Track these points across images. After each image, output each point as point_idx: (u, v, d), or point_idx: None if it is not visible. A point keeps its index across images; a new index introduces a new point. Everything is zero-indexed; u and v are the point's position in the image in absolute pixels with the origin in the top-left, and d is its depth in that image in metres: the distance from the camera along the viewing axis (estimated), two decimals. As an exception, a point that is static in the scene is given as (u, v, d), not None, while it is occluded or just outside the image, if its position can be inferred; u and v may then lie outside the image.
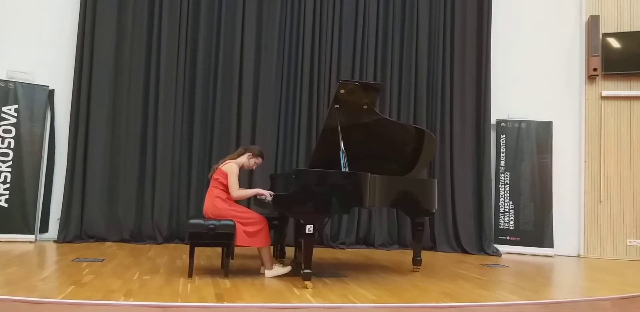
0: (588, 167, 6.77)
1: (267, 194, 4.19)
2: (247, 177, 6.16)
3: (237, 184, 4.21)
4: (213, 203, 4.18)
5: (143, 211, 6.10)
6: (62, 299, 3.16)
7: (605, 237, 6.64)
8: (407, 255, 5.49)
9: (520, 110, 6.86)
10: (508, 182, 6.72)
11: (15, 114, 5.89)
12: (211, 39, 6.44)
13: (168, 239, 6.10)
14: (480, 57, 6.83)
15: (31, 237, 5.79)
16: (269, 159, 6.28)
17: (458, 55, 6.83)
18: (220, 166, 4.31)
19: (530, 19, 7.05)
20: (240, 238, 4.07)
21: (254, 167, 4.59)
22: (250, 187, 5.73)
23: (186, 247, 4.27)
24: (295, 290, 3.76)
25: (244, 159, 4.41)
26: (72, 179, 5.96)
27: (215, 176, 4.27)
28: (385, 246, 6.48)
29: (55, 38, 6.24)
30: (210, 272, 4.31)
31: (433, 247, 6.53)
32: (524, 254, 6.46)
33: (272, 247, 4.63)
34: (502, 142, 6.81)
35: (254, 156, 4.45)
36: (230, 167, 4.24)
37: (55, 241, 5.85)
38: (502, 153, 6.80)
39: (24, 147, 5.88)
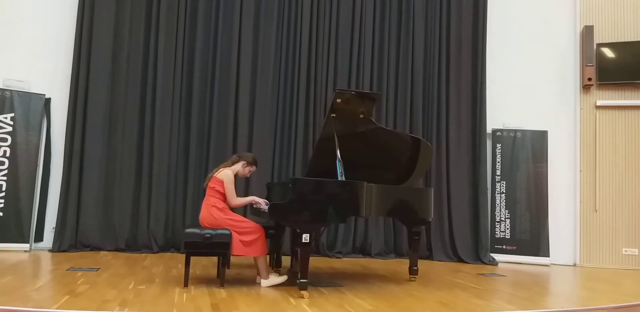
0: (583, 176, 6.80)
1: (262, 203, 4.22)
2: (243, 186, 6.15)
3: (234, 192, 4.22)
4: (209, 212, 4.17)
5: (139, 220, 6.08)
6: (56, 309, 3.15)
7: (601, 246, 6.65)
8: (403, 264, 5.47)
9: (516, 119, 6.90)
10: (504, 191, 6.73)
11: (11, 123, 5.89)
12: (208, 48, 6.46)
13: (164, 248, 6.08)
14: (475, 66, 6.86)
15: (26, 246, 5.76)
16: (266, 168, 6.28)
17: (454, 65, 6.87)
18: (215, 174, 4.31)
19: (525, 29, 7.10)
20: (236, 247, 4.06)
21: (248, 175, 4.60)
22: (246, 196, 5.73)
23: (182, 257, 4.26)
24: (292, 300, 3.75)
25: (238, 166, 4.42)
26: (67, 188, 5.94)
27: (210, 184, 4.27)
28: (381, 255, 6.47)
29: (52, 46, 6.25)
30: (206, 281, 4.29)
31: (429, 257, 6.51)
32: (521, 263, 6.46)
33: (268, 257, 4.62)
34: (498, 151, 6.84)
35: (249, 164, 4.45)
36: (226, 175, 4.24)
37: (50, 250, 5.82)
38: (498, 162, 6.82)
39: (19, 155, 5.87)
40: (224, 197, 4.22)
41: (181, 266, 4.63)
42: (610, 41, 6.86)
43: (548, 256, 6.51)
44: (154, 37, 6.30)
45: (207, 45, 6.47)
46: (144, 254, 5.86)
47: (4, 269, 4.52)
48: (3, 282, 3.93)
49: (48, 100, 6.16)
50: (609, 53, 6.83)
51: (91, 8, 6.16)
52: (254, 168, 4.52)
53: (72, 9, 6.21)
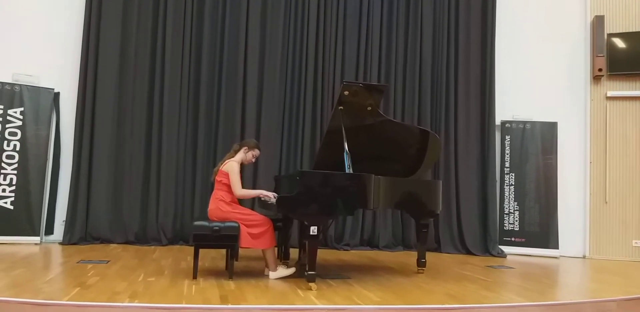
0: (593, 168, 6.74)
1: (271, 196, 4.22)
2: (251, 179, 6.18)
3: (240, 182, 4.22)
4: (217, 206, 4.19)
5: (148, 213, 6.12)
6: (67, 301, 3.17)
7: (610, 238, 6.61)
8: (411, 256, 5.47)
9: (525, 111, 6.85)
10: (513, 183, 6.70)
11: (21, 117, 5.92)
12: (216, 42, 6.46)
13: (173, 241, 6.12)
14: (484, 57, 6.81)
15: (36, 239, 5.82)
16: (274, 161, 6.30)
17: (462, 56, 6.81)
18: (220, 167, 4.33)
19: (534, 20, 7.03)
20: (245, 240, 4.08)
21: (253, 160, 4.58)
22: (254, 189, 5.74)
23: (191, 249, 4.28)
24: (300, 292, 3.76)
25: (241, 154, 4.42)
26: (77, 181, 5.99)
27: (217, 177, 4.29)
28: (389, 247, 6.47)
29: (61, 41, 6.27)
30: (214, 273, 4.32)
31: (437, 249, 6.51)
32: (529, 256, 6.44)
33: (276, 249, 4.64)
34: (507, 143, 6.80)
35: (250, 148, 4.45)
36: (231, 166, 4.25)
37: (60, 243, 5.87)
38: (507, 154, 6.78)
39: (29, 149, 5.91)
40: (230, 189, 4.22)
41: (190, 259, 4.65)
42: (621, 31, 6.77)
43: (557, 248, 6.48)
44: (162, 30, 6.30)
45: (214, 38, 6.46)
46: (153, 247, 5.90)
47: (15, 262, 4.57)
48: (14, 275, 3.97)
49: (57, 95, 6.19)
50: (619, 43, 6.74)
51: (99, 3, 6.17)
52: (257, 152, 4.51)
53: (80, 3, 6.22)
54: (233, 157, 4.40)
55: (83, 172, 6.00)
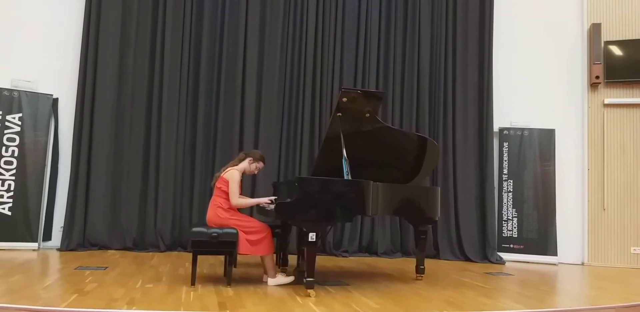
0: (591, 175, 6.76)
1: (268, 201, 4.22)
2: (250, 185, 6.17)
3: (238, 192, 4.21)
4: (215, 213, 4.18)
5: (146, 219, 6.11)
6: (65, 307, 3.16)
7: (609, 245, 6.61)
8: (410, 263, 5.47)
9: (523, 118, 6.87)
10: (511, 190, 6.71)
11: (19, 123, 5.92)
12: (214, 48, 6.48)
13: (171, 247, 6.10)
14: (482, 64, 6.84)
15: (34, 245, 5.80)
16: (272, 167, 6.29)
17: (460, 63, 6.85)
18: (222, 174, 4.32)
19: (532, 27, 7.07)
20: (243, 246, 4.07)
21: (256, 172, 4.58)
22: (253, 195, 5.75)
23: (189, 255, 4.27)
24: (298, 298, 3.76)
25: (245, 164, 4.41)
26: (75, 187, 5.98)
27: (217, 184, 4.27)
28: (388, 254, 6.46)
29: (59, 47, 6.28)
30: (213, 280, 4.31)
31: (436, 255, 6.51)
32: (528, 262, 6.44)
33: (274, 255, 4.63)
34: (505, 149, 6.81)
35: (255, 160, 4.44)
36: (232, 175, 4.24)
37: (58, 249, 5.86)
38: (505, 161, 6.80)
39: (27, 155, 5.91)
40: (229, 196, 4.22)
41: (188, 265, 4.65)
42: (617, 39, 6.82)
43: (556, 254, 6.48)
44: (160, 37, 6.32)
45: (213, 44, 6.48)
46: (151, 253, 5.89)
47: (12, 268, 4.56)
48: (12, 281, 3.96)
49: (56, 101, 6.19)
50: (616, 51, 6.79)
51: (98, 8, 6.19)
52: (261, 164, 4.50)
53: (79, 9, 6.24)
54: (236, 165, 4.39)
55: (81, 178, 5.99)
